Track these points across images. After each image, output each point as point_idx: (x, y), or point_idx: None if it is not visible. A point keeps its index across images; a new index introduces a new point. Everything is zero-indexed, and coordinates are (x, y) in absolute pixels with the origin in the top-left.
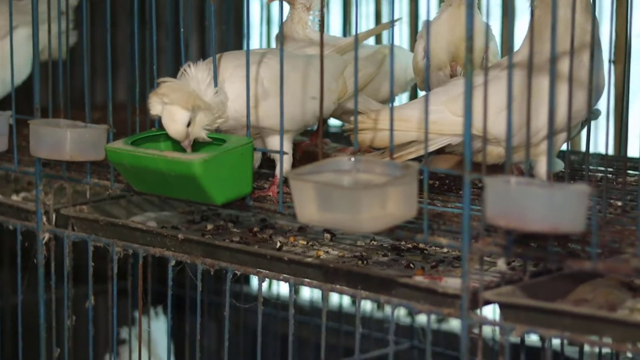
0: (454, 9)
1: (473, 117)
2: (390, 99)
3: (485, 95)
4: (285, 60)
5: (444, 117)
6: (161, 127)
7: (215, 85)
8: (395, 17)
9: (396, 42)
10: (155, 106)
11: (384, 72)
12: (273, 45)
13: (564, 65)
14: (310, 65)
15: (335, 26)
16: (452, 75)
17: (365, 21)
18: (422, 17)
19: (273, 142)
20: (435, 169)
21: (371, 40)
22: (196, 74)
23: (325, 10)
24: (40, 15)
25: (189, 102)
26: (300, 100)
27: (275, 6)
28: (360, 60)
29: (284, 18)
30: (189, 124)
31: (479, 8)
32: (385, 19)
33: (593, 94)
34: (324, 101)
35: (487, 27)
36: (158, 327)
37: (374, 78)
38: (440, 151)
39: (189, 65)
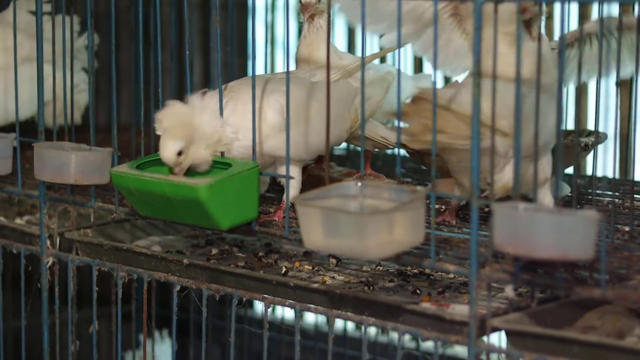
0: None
1: None
2: (398, 127)
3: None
4: (301, 87)
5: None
6: None
7: (221, 112)
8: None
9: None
10: (159, 126)
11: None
12: (277, 66)
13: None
14: (324, 92)
15: (339, 43)
16: None
17: (370, 38)
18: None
19: (284, 169)
20: (443, 193)
21: (376, 49)
22: (201, 104)
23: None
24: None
25: (180, 132)
26: (318, 129)
27: (279, 27)
28: (369, 86)
29: (295, 37)
30: (180, 153)
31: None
32: None
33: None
34: (338, 130)
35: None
36: (163, 350)
37: (380, 104)
38: (446, 174)
39: (197, 94)
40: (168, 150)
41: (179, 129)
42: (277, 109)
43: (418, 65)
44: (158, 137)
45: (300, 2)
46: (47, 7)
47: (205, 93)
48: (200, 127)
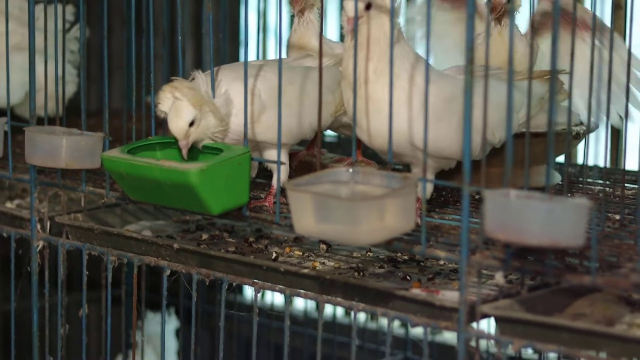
0: (496, 36)
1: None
2: (390, 115)
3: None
4: (283, 72)
5: None
6: (158, 134)
7: (213, 97)
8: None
9: None
10: (166, 101)
11: None
12: (269, 53)
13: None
14: (308, 77)
15: (331, 33)
16: None
17: None
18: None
19: (270, 154)
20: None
21: None
22: (207, 79)
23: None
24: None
25: (199, 101)
26: (298, 113)
27: (272, 15)
28: None
29: (287, 25)
30: (192, 124)
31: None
32: None
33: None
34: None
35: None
36: (167, 330)
37: None
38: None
39: (199, 72)
40: (182, 118)
41: (193, 99)
42: (255, 93)
43: None
44: (149, 122)
45: None
46: None
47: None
48: (211, 100)
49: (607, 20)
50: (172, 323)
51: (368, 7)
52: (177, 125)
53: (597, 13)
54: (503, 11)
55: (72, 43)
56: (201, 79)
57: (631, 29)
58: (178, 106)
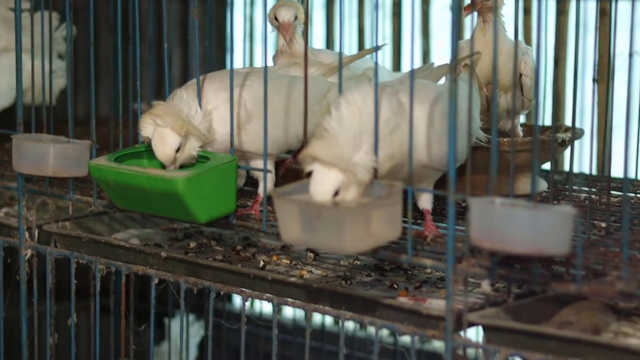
0: (479, 34)
1: None
2: (375, 122)
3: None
4: (269, 82)
5: None
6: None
7: (200, 106)
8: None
9: (379, 59)
10: (147, 127)
11: None
12: (255, 60)
13: None
14: (294, 87)
15: (317, 40)
16: (488, 96)
17: (348, 36)
18: (405, 31)
19: (256, 163)
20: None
21: (354, 47)
22: (187, 98)
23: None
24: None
25: (182, 127)
26: (284, 123)
27: (258, 21)
28: (345, 82)
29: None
30: (178, 149)
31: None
32: (368, 34)
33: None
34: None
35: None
36: (191, 334)
37: None
38: None
39: (181, 90)
40: (168, 146)
41: (181, 124)
42: (240, 103)
43: (396, 61)
44: (136, 130)
45: (275, 19)
46: (26, 4)
47: (185, 89)
48: (192, 122)
49: (592, 27)
50: (197, 335)
51: None
52: (164, 152)
53: (582, 19)
54: (483, 7)
55: (59, 44)
56: (181, 98)
57: (615, 36)
58: (162, 134)
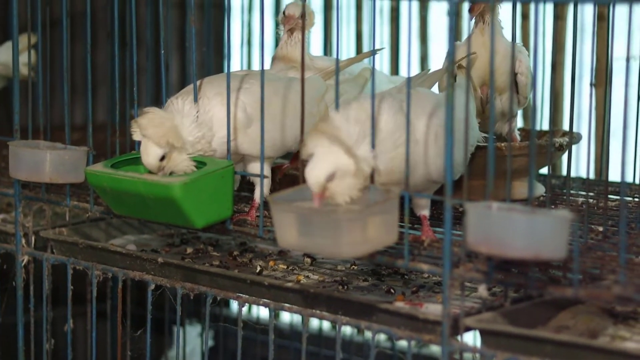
0: (477, 36)
1: None
2: (372, 124)
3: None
4: (266, 84)
5: None
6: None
7: (197, 111)
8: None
9: (377, 63)
10: (136, 134)
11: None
12: (253, 66)
13: None
14: (292, 89)
15: (315, 46)
16: (483, 98)
17: (346, 41)
18: (402, 37)
19: (254, 167)
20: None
21: (352, 52)
22: (182, 107)
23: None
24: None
25: (163, 139)
26: (281, 125)
27: (256, 28)
28: (342, 84)
29: (272, 38)
30: (162, 158)
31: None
32: (366, 39)
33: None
34: (304, 125)
35: (514, 48)
36: (192, 336)
37: None
38: None
39: (176, 98)
40: (150, 156)
41: (162, 135)
42: (240, 107)
43: (394, 64)
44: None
45: (283, 13)
46: None
47: (180, 96)
48: (182, 134)
49: (589, 32)
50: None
51: None
52: (148, 162)
53: (579, 24)
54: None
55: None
56: (175, 107)
57: (612, 40)
58: (145, 145)
